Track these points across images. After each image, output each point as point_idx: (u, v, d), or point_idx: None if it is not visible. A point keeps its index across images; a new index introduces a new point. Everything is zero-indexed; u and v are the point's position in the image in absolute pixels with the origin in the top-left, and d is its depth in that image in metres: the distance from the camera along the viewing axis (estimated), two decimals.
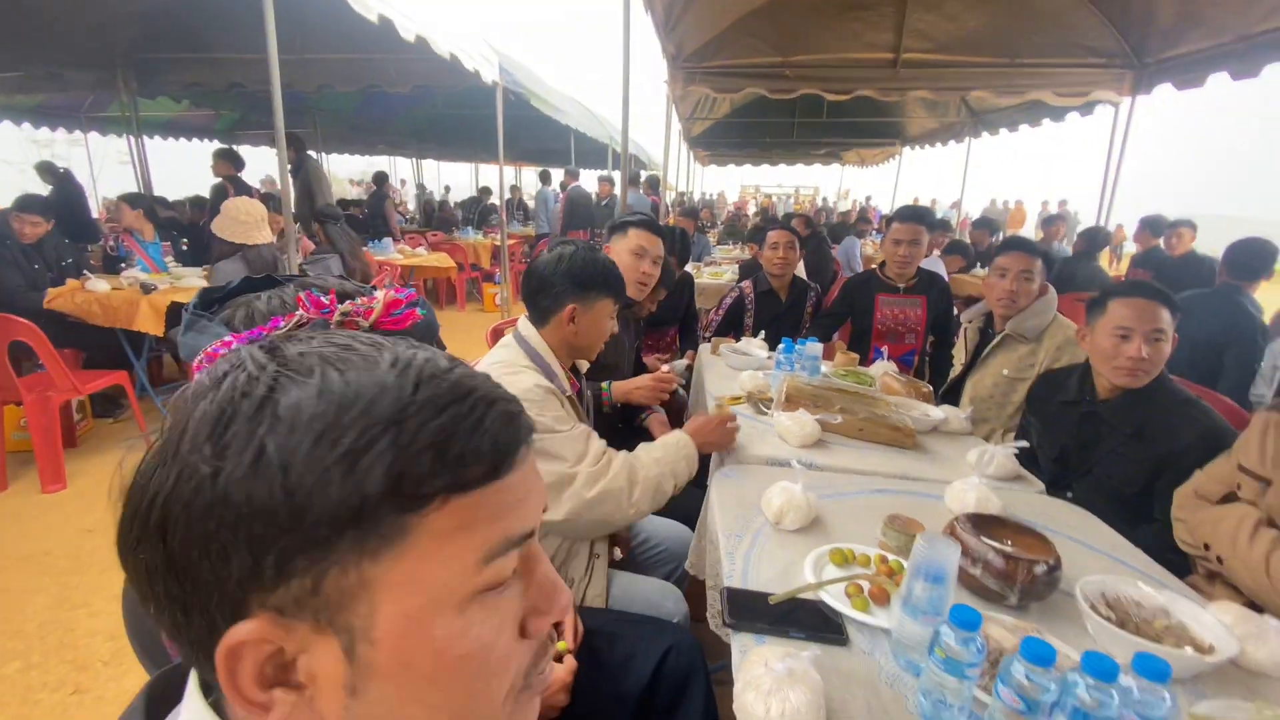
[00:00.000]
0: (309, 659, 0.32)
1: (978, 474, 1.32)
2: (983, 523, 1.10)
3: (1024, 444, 1.51)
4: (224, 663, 0.30)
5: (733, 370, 2.24)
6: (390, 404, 0.31)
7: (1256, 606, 1.06)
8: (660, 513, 1.70)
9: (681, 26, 4.70)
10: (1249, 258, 2.99)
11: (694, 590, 1.42)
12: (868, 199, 18.24)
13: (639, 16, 3.76)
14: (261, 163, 9.52)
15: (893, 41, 5.24)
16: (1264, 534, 1.13)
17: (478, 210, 10.13)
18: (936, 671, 0.77)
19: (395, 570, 0.31)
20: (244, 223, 3.00)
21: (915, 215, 2.66)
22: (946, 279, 3.37)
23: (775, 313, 2.94)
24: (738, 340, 2.69)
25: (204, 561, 0.30)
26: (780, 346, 2.13)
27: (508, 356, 1.38)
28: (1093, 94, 5.20)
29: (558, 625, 1.16)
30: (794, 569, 1.09)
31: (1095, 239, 5.17)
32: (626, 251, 2.06)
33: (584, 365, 1.58)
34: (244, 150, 5.79)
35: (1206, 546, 1.21)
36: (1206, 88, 4.37)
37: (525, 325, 1.43)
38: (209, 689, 0.36)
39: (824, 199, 20.34)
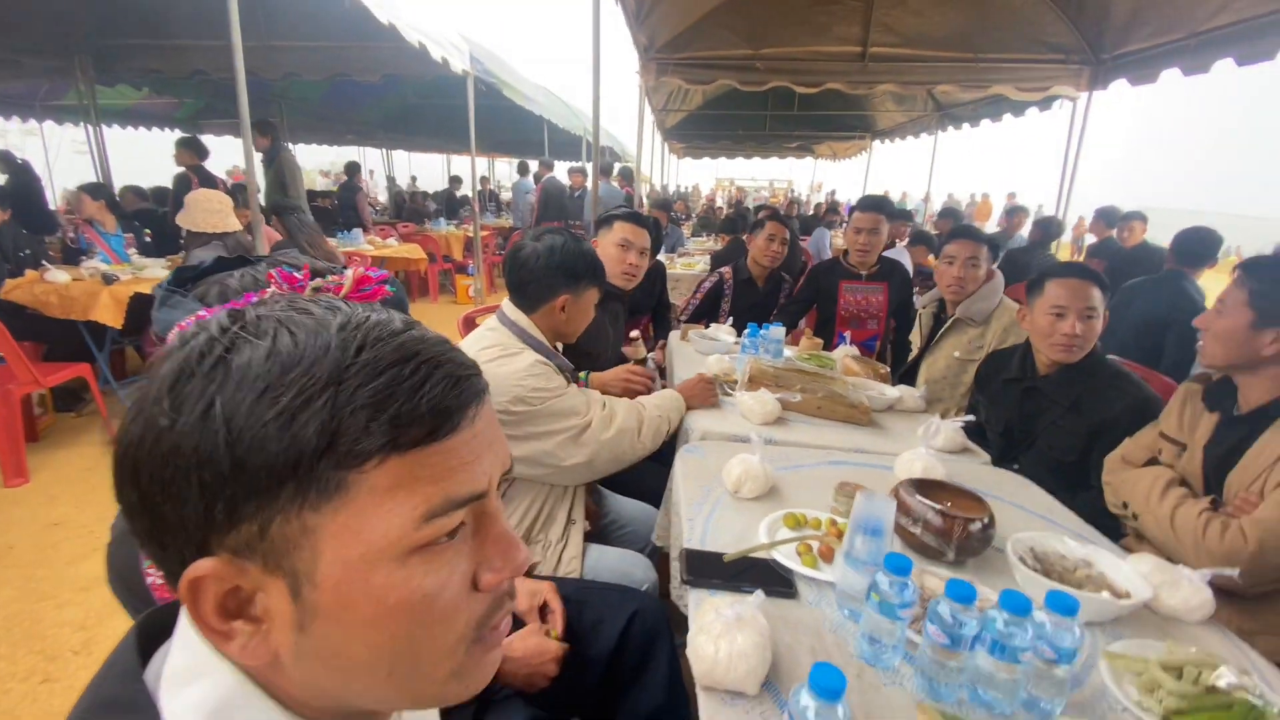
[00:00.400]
0: (265, 597, 0.35)
1: (924, 444, 1.40)
2: (925, 486, 1.17)
3: (970, 418, 1.59)
4: (186, 594, 0.34)
5: (701, 355, 2.30)
6: (331, 365, 0.33)
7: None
8: (627, 493, 1.77)
9: (653, 17, 4.72)
10: (1195, 244, 3.14)
11: (663, 568, 1.48)
12: (832, 193, 18.50)
13: (609, 6, 3.77)
14: (227, 153, 9.29)
15: (860, 35, 5.33)
16: (1173, 491, 1.23)
17: (448, 201, 10.04)
18: (873, 614, 0.84)
19: (335, 521, 0.34)
20: (217, 211, 2.96)
21: (875, 205, 2.75)
22: (910, 269, 3.48)
23: (751, 301, 3.01)
24: (708, 326, 2.76)
25: (167, 504, 0.33)
26: (746, 331, 2.19)
27: (499, 340, 1.42)
28: (1052, 89, 5.37)
29: (543, 613, 1.20)
30: (750, 533, 1.15)
31: (1048, 229, 5.37)
32: (612, 244, 2.12)
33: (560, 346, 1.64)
34: (208, 140, 5.66)
35: (1125, 505, 1.31)
36: (1163, 85, 4.54)
37: (512, 310, 1.46)
38: None
39: (796, 192, 20.55)
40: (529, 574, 1.36)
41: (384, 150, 12.95)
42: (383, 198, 14.10)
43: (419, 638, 0.37)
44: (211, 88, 7.27)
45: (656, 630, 1.26)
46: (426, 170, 17.44)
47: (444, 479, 0.36)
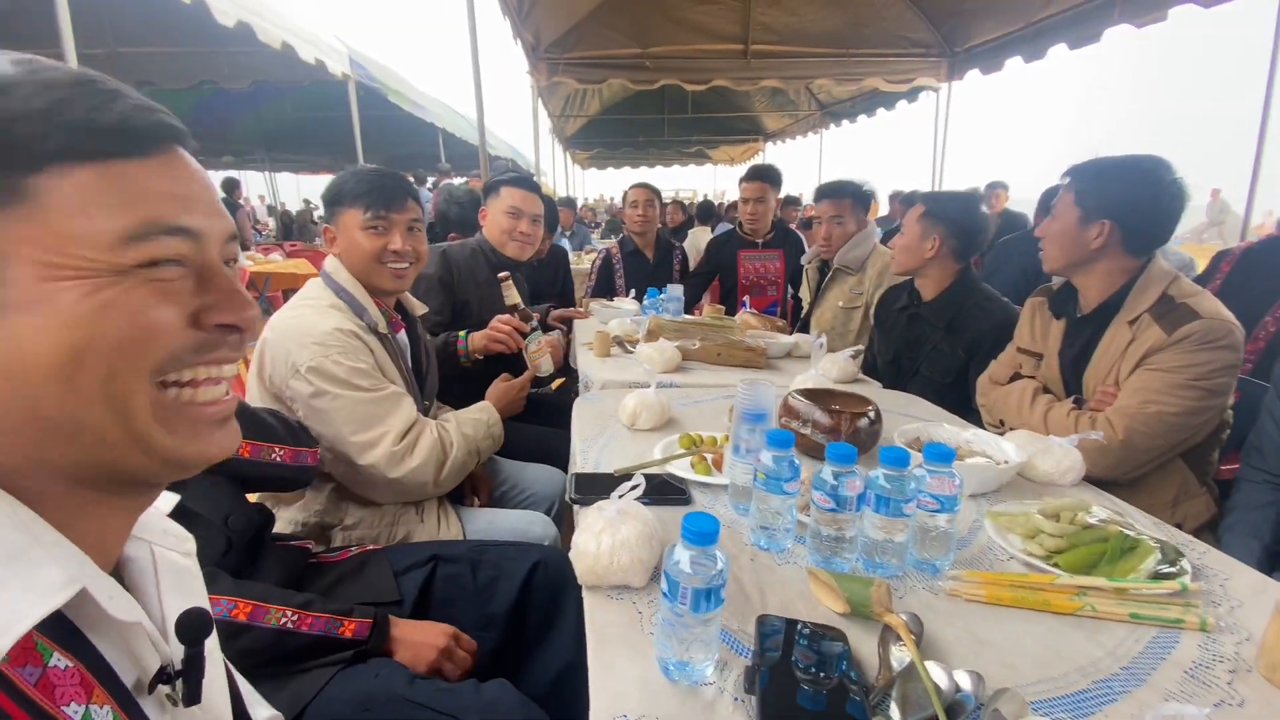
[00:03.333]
0: None
1: (814, 367, 1.41)
2: (813, 394, 1.17)
3: (860, 347, 1.63)
4: None
5: (603, 325, 2.25)
6: (4, 80, 0.35)
7: None
8: (528, 457, 1.67)
9: (536, 13, 4.70)
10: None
11: (570, 526, 1.40)
12: (724, 194, 19.21)
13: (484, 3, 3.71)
14: None
15: (741, 34, 5.55)
16: (1041, 398, 1.30)
17: None
18: (761, 494, 0.80)
19: (24, 227, 0.34)
20: None
21: (759, 174, 2.83)
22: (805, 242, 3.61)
23: (645, 271, 3.00)
24: (611, 300, 2.73)
25: None
26: (647, 295, 2.17)
27: (312, 293, 1.23)
28: (916, 80, 5.80)
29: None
30: (645, 456, 1.10)
31: (917, 200, 5.80)
32: (501, 212, 1.98)
33: (417, 306, 1.46)
34: None
35: (1001, 423, 1.37)
36: (1016, 76, 5.00)
37: (332, 260, 1.28)
38: None
39: (704, 197, 21.20)
40: (404, 540, 1.24)
41: (267, 173, 12.08)
42: (272, 224, 13.23)
43: (111, 351, 0.36)
44: None
45: (561, 582, 1.17)
46: (317, 194, 16.49)
47: (143, 200, 0.37)
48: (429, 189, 7.73)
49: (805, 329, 2.49)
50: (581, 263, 5.26)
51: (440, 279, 1.87)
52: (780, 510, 0.80)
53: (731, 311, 2.80)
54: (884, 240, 2.83)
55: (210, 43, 5.10)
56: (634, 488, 0.76)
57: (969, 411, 1.65)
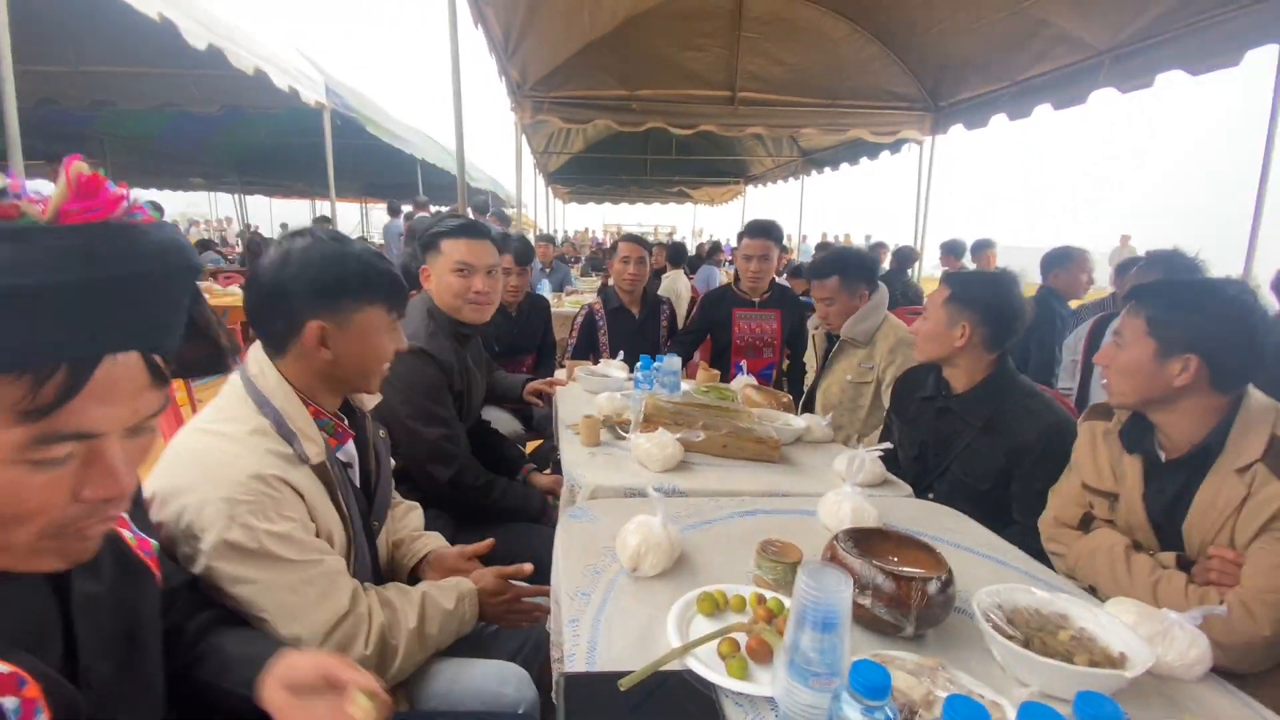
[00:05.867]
0: None
1: (849, 482, 1.19)
2: (864, 539, 0.94)
3: (888, 445, 1.41)
4: None
5: (590, 395, 2.00)
6: None
7: None
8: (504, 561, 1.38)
9: (522, 51, 4.56)
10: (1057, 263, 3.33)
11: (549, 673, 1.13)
12: (711, 236, 19.25)
13: (470, 39, 3.54)
14: None
15: (729, 80, 5.52)
16: (1139, 563, 1.08)
17: None
18: None
19: None
20: None
21: (763, 230, 2.65)
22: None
23: (629, 329, 2.78)
24: (596, 363, 2.48)
25: None
26: (639, 364, 1.93)
27: (227, 411, 0.92)
28: (901, 133, 5.83)
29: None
30: (656, 627, 0.85)
31: (906, 257, 5.84)
32: (446, 272, 1.66)
33: (368, 400, 1.14)
34: None
35: (1089, 587, 1.15)
36: (998, 132, 5.02)
37: (256, 357, 0.97)
38: None
39: (682, 236, 21.31)
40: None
41: (237, 195, 11.68)
42: (238, 245, 12.76)
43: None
44: None
45: None
46: (295, 218, 16.03)
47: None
48: (402, 220, 7.47)
49: (810, 401, 2.28)
50: (561, 305, 5.03)
51: (441, 382, 1.62)
52: None
53: (724, 372, 2.60)
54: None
55: (179, 64, 4.83)
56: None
57: (1006, 523, 1.44)
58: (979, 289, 1.56)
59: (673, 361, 1.87)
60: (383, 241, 7.97)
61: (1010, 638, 0.79)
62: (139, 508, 0.73)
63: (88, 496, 0.50)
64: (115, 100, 5.19)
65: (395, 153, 7.24)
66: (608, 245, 15.95)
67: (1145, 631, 0.82)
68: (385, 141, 6.67)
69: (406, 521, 1.31)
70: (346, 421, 1.05)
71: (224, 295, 5.25)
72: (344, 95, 5.52)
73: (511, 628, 1.21)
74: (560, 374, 2.34)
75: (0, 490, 0.46)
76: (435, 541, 1.28)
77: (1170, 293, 1.11)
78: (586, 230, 22.71)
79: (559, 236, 14.32)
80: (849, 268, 2.08)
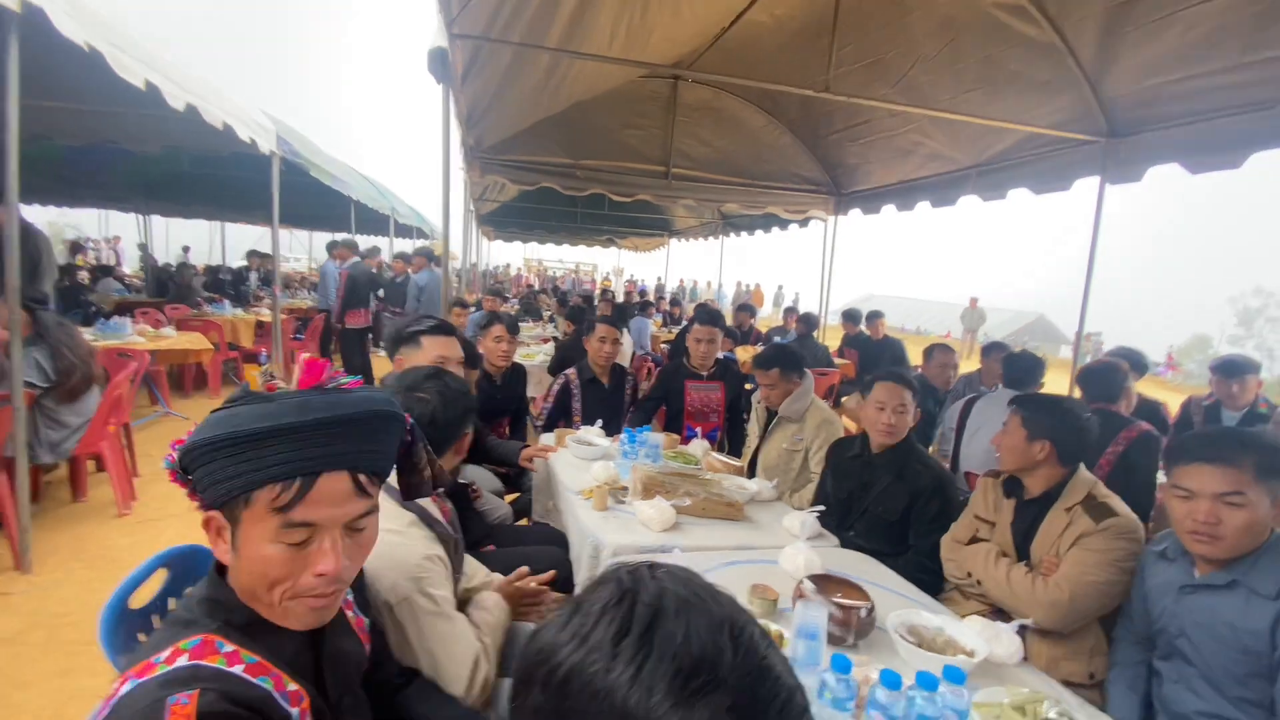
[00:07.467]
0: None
1: (801, 539, 1.68)
2: (820, 582, 1.42)
3: (821, 508, 1.94)
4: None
5: (581, 461, 2.40)
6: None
7: (1000, 612, 1.61)
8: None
9: (483, 124, 4.96)
10: (1020, 370, 3.09)
11: None
12: (640, 281, 19.91)
13: (425, 96, 3.90)
14: None
15: (663, 157, 6.15)
16: (1003, 560, 1.70)
17: (236, 282, 8.85)
18: (826, 710, 1.02)
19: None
20: None
21: (711, 319, 3.21)
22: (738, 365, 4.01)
23: (601, 397, 3.21)
24: (568, 426, 2.89)
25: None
26: (623, 437, 2.37)
27: (383, 512, 1.14)
28: (809, 212, 6.71)
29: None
30: None
31: (811, 321, 6.62)
32: (428, 363, 1.82)
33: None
34: None
35: (969, 574, 1.73)
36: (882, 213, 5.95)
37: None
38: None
39: (605, 273, 21.94)
40: None
41: (140, 215, 10.95)
42: (129, 269, 11.89)
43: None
44: None
45: None
46: (197, 240, 14.98)
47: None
48: (337, 264, 7.46)
49: (753, 465, 2.80)
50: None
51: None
52: None
53: (678, 434, 3.08)
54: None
55: (127, 104, 4.79)
56: None
57: (905, 548, 2.01)
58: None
59: (655, 437, 2.33)
60: (320, 278, 7.92)
61: (910, 642, 1.29)
62: (361, 593, 1.01)
63: (316, 571, 0.74)
64: (52, 136, 5.05)
65: (330, 190, 7.31)
66: (536, 288, 16.27)
67: (986, 636, 1.35)
68: (325, 183, 6.76)
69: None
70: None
71: (158, 338, 5.12)
72: (291, 141, 5.65)
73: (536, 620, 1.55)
74: (547, 439, 2.72)
75: (264, 561, 0.72)
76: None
77: (1035, 401, 1.77)
78: (509, 266, 22.86)
79: (480, 268, 14.47)
80: (787, 361, 2.64)
